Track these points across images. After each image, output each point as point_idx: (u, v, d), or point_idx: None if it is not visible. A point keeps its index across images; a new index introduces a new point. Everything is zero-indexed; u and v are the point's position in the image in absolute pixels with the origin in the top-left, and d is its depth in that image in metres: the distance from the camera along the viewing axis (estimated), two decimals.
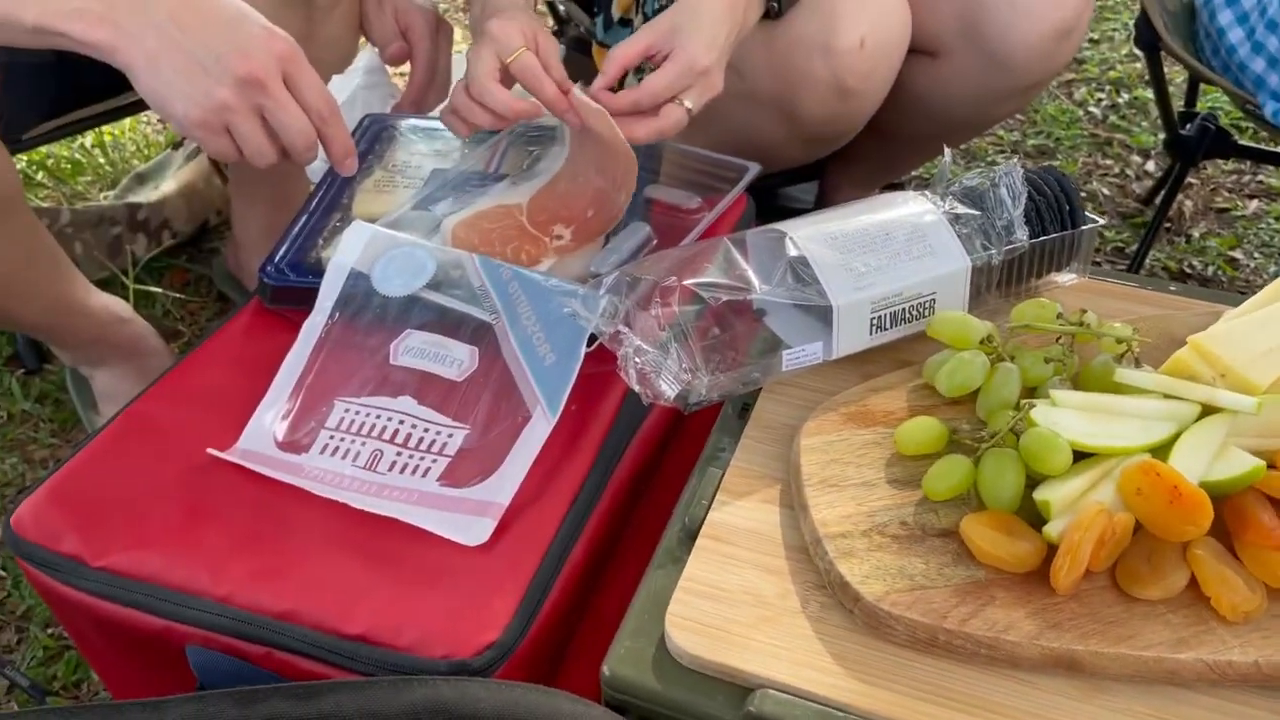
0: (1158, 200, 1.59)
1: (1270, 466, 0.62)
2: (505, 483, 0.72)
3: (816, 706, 0.57)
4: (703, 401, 0.72)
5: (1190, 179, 1.81)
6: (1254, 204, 1.78)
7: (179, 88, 0.73)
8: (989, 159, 1.91)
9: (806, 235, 0.75)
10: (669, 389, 0.68)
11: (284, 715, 0.54)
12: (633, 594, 0.64)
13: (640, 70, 0.97)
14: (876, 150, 1.31)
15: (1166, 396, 0.65)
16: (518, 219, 0.95)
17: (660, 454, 0.85)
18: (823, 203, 1.45)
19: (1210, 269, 1.64)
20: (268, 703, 0.55)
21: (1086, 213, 0.81)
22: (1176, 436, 0.63)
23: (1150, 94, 1.85)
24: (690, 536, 0.67)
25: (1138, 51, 1.70)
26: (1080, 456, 0.65)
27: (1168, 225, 1.73)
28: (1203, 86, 1.70)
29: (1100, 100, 2.04)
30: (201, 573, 0.68)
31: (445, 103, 0.95)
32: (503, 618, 0.66)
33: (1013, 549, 0.61)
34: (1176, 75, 1.90)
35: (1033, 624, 0.59)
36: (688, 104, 0.91)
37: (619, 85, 0.93)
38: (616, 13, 1.18)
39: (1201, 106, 1.76)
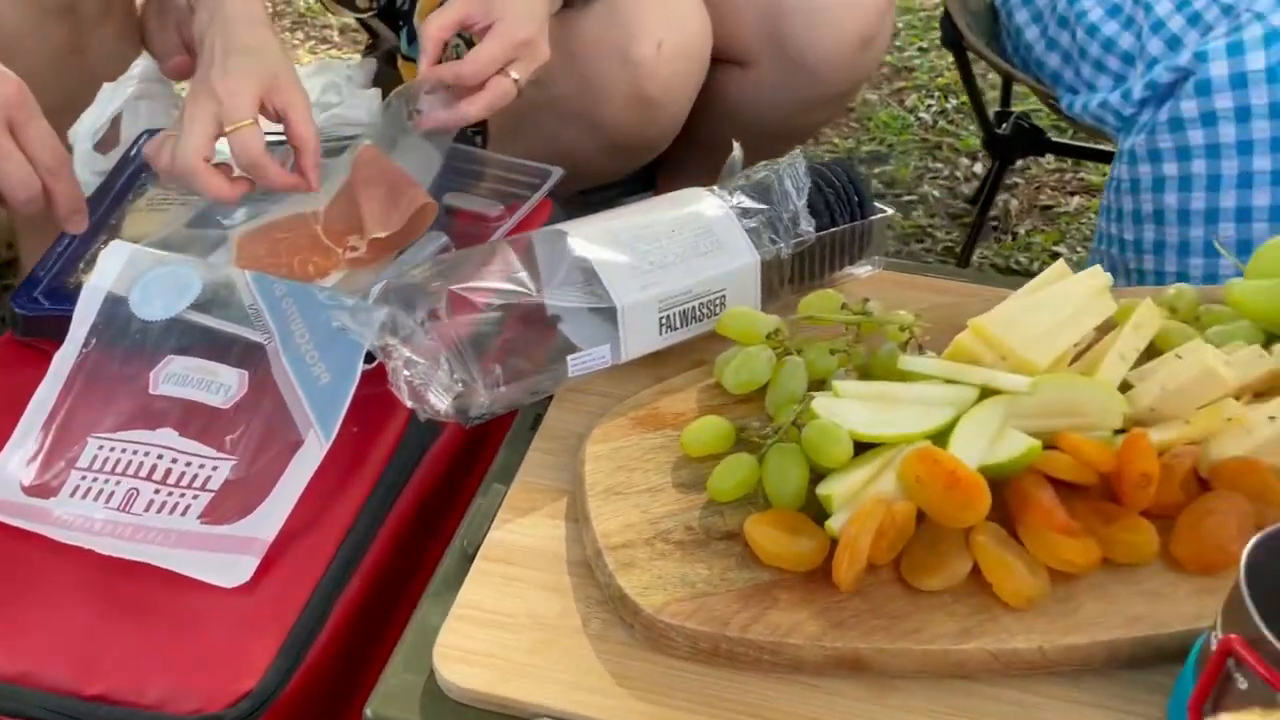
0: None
1: (1052, 447, 0.62)
2: (271, 516, 0.67)
3: None
4: (486, 414, 0.68)
5: (1016, 179, 1.87)
6: (1075, 200, 1.83)
7: None
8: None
9: (589, 235, 0.72)
10: (439, 402, 0.64)
11: None
12: None
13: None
14: (702, 160, 1.29)
15: (948, 382, 0.64)
16: (312, 228, 0.89)
17: (464, 475, 0.80)
18: None
19: (1036, 264, 1.68)
20: None
21: (876, 203, 0.80)
22: (957, 421, 0.62)
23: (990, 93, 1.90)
24: (469, 559, 0.62)
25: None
26: (868, 447, 0.63)
27: (995, 224, 1.78)
28: (1017, 86, 1.75)
29: (930, 106, 2.08)
30: None
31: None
32: (261, 663, 0.60)
33: (795, 548, 0.58)
34: (996, 77, 1.95)
35: (816, 625, 0.56)
36: (514, 75, 0.87)
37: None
38: (418, 24, 1.14)
39: (1019, 106, 1.81)
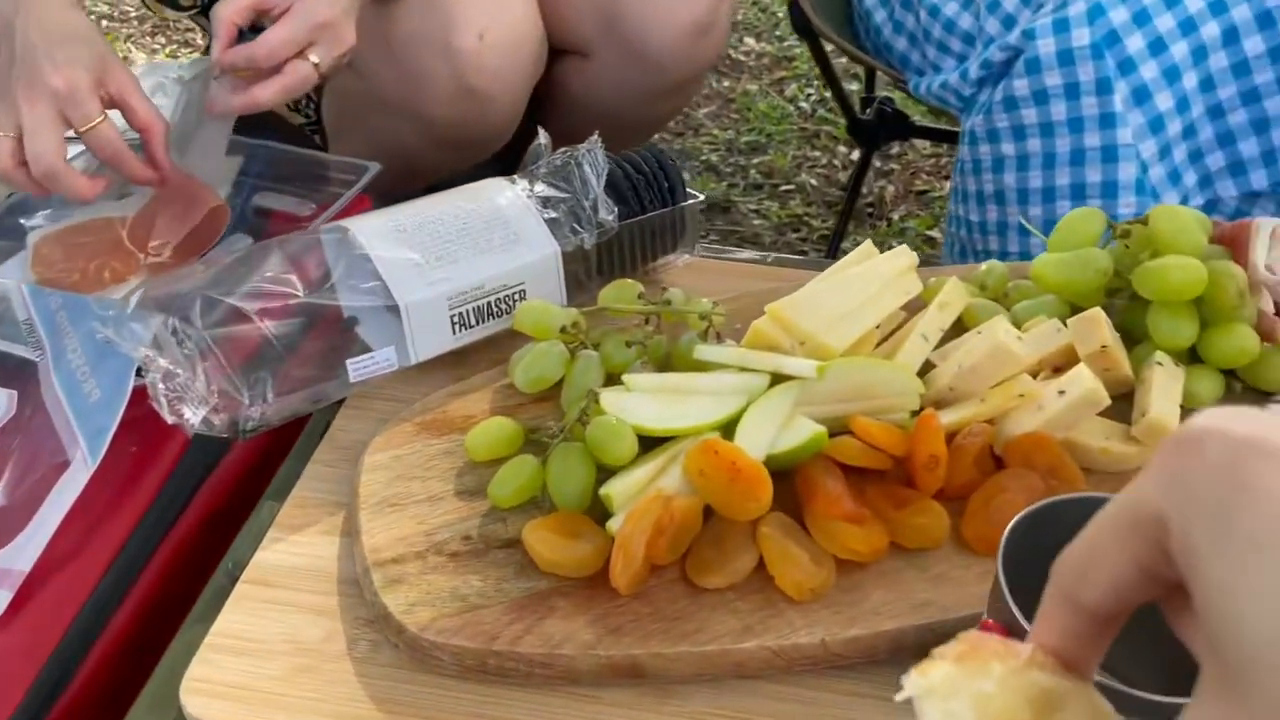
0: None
1: (844, 433, 0.59)
2: (29, 546, 0.62)
3: None
4: (261, 426, 0.64)
5: (893, 164, 1.87)
6: (949, 184, 1.84)
7: None
8: (703, 157, 1.91)
9: (373, 230, 0.68)
10: (194, 416, 0.59)
11: None
12: None
13: None
14: None
15: (742, 370, 0.62)
16: (117, 232, 0.84)
17: (259, 493, 0.75)
18: None
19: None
20: None
21: (689, 189, 0.78)
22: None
23: (853, 87, 1.90)
24: (232, 583, 0.58)
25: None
26: (660, 443, 0.60)
27: (870, 209, 1.77)
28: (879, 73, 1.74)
29: (809, 95, 2.08)
30: None
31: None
32: (9, 704, 0.55)
33: (572, 553, 0.55)
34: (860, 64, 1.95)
35: (592, 632, 0.53)
36: (314, 59, 0.83)
37: None
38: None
39: (885, 91, 1.81)
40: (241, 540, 0.61)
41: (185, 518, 0.67)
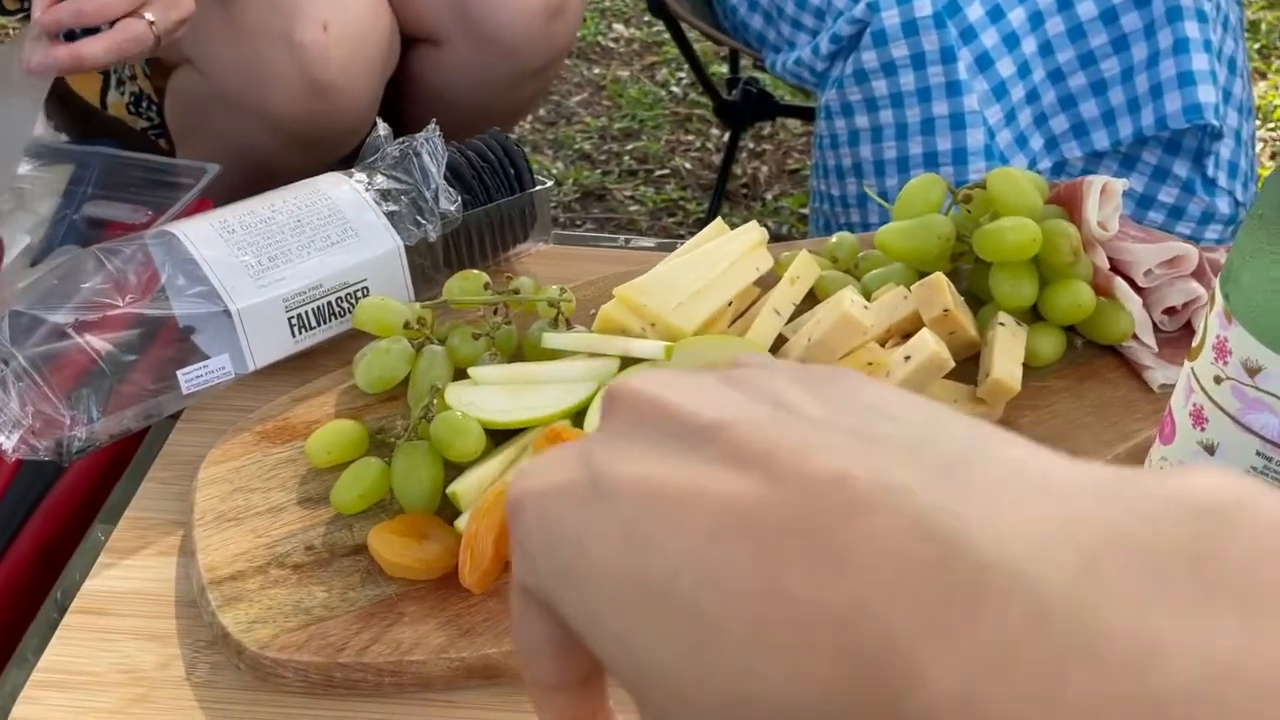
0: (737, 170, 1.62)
1: None
2: None
3: None
4: (88, 447, 0.60)
5: (765, 145, 1.88)
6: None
7: None
8: (576, 146, 1.89)
9: (200, 233, 0.65)
10: (7, 440, 0.56)
11: None
12: None
13: None
14: None
15: (592, 355, 0.61)
16: None
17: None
18: None
19: (785, 228, 1.69)
20: None
21: (537, 175, 0.76)
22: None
23: (724, 69, 1.91)
24: (62, 615, 0.54)
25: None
26: (510, 436, 0.58)
27: (745, 190, 1.78)
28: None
29: (680, 80, 2.08)
30: None
31: None
32: None
33: (420, 554, 0.53)
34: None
35: (443, 635, 0.51)
36: (149, 17, 0.78)
37: None
38: None
39: (750, 72, 1.82)
40: (71, 568, 0.57)
41: (12, 551, 0.63)
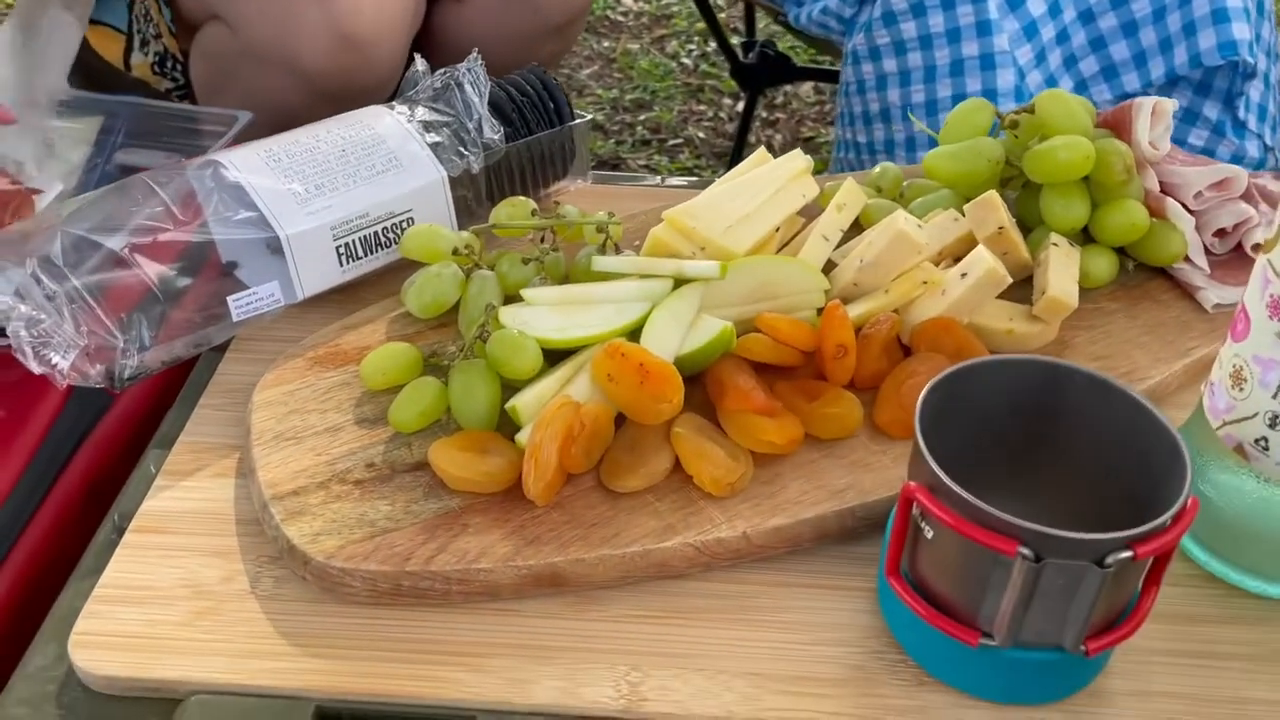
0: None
1: (753, 331, 0.58)
2: None
3: (256, 701, 0.47)
4: (141, 374, 0.60)
5: (779, 113, 1.88)
6: (834, 130, 1.86)
7: None
8: (589, 117, 1.89)
9: (247, 163, 0.64)
10: (62, 361, 0.55)
11: None
12: None
13: None
14: None
15: (643, 278, 0.60)
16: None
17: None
18: None
19: None
20: None
21: (577, 110, 0.76)
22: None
23: (734, 40, 1.90)
24: (120, 534, 0.54)
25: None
26: (564, 356, 0.58)
27: None
28: (758, 15, 1.75)
29: (691, 51, 2.07)
30: None
31: None
32: None
33: (483, 468, 0.53)
34: (740, 8, 1.95)
35: (509, 545, 0.51)
36: None
37: None
38: None
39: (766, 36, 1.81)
40: (128, 491, 0.57)
41: (66, 477, 0.63)
